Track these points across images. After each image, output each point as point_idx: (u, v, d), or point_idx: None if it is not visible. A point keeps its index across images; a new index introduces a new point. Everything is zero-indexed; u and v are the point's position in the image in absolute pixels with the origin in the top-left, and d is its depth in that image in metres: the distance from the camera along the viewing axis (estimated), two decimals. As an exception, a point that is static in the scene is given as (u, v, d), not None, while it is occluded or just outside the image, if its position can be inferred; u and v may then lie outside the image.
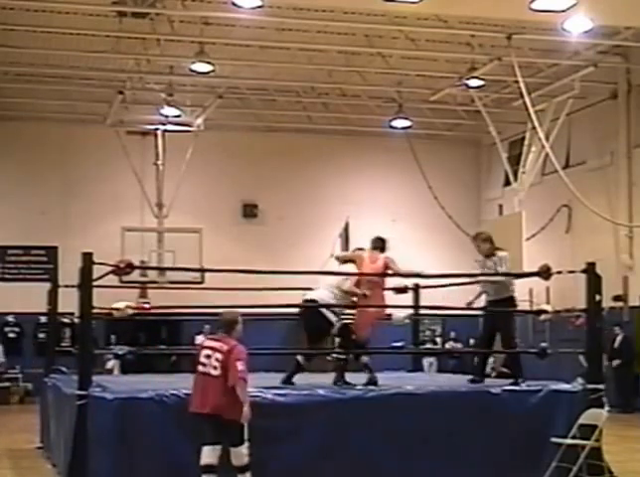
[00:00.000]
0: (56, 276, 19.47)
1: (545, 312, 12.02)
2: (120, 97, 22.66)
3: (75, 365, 10.12)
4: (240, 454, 8.45)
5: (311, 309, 10.51)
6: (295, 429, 9.38)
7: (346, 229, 24.57)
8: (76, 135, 25.21)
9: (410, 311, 13.27)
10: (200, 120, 23.96)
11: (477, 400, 10.27)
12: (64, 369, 13.06)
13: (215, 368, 8.39)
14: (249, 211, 26.66)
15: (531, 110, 19.81)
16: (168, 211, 24.29)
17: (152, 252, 23.00)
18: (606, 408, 10.25)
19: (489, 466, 9.95)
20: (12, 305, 24.08)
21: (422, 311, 14.66)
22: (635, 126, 21.89)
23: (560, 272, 11.28)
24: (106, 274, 10.10)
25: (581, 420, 9.95)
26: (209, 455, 8.37)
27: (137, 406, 9.10)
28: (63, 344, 19.27)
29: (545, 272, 11.24)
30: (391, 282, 12.40)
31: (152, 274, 22.51)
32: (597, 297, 10.64)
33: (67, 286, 11.82)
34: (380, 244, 11.12)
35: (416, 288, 13.88)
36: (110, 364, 22.14)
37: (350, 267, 10.97)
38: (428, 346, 25.42)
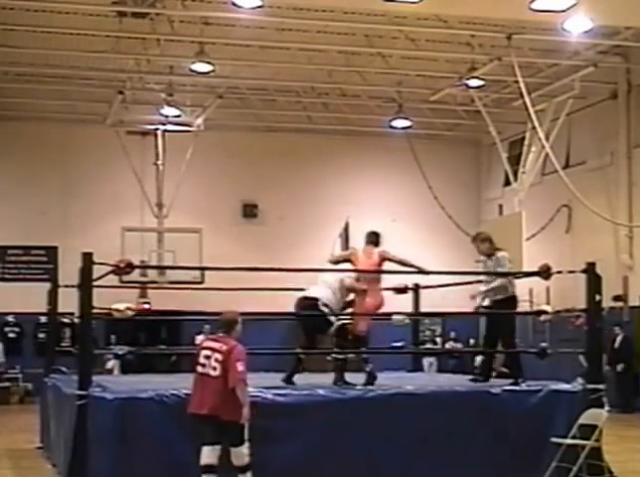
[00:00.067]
0: (56, 276, 19.46)
1: (545, 313, 12.02)
2: (120, 97, 22.66)
3: (75, 365, 10.13)
4: (241, 454, 8.44)
5: (311, 307, 10.51)
6: (295, 429, 9.39)
7: (346, 229, 24.56)
8: (76, 135, 25.21)
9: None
10: (200, 120, 23.96)
11: (477, 400, 10.27)
12: (64, 369, 13.06)
13: (214, 368, 8.38)
14: (249, 211, 26.67)
15: (531, 110, 19.81)
16: (168, 211, 24.29)
17: (152, 252, 22.98)
18: (606, 408, 10.25)
19: (489, 466, 9.95)
20: (12, 305, 24.08)
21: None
22: (635, 126, 21.89)
23: (560, 272, 11.28)
24: (106, 274, 10.10)
25: (581, 420, 9.95)
26: (208, 455, 8.37)
27: (137, 406, 9.11)
28: (63, 344, 19.24)
29: (545, 272, 11.25)
30: (391, 282, 12.43)
31: (152, 274, 22.50)
32: (597, 297, 10.64)
33: (67, 286, 11.82)
34: (374, 239, 11.11)
35: (416, 288, 13.88)
36: (110, 364, 22.14)
37: (346, 266, 11.01)
38: (428, 346, 25.43)
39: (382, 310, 11.13)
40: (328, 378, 10.67)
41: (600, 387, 10.50)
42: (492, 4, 15.91)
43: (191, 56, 20.01)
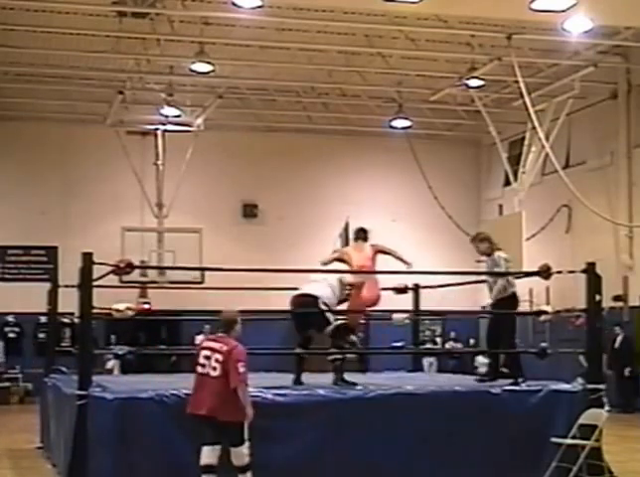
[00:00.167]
0: (56, 276, 19.47)
1: (545, 313, 12.03)
2: (120, 97, 22.66)
3: (75, 365, 10.13)
4: (241, 454, 8.44)
5: (309, 305, 10.52)
6: (295, 429, 9.38)
7: (346, 229, 24.53)
8: (76, 135, 25.21)
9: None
10: (200, 120, 23.96)
11: (477, 400, 10.27)
12: (64, 369, 13.06)
13: (214, 369, 8.38)
14: (249, 211, 26.67)
15: (531, 110, 19.81)
16: (168, 211, 24.29)
17: (152, 252, 22.99)
18: (606, 408, 10.25)
19: (489, 466, 9.95)
20: (12, 305, 24.07)
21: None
22: (635, 126, 21.89)
23: (560, 272, 11.28)
24: (106, 274, 10.10)
25: (581, 420, 9.95)
26: (208, 455, 8.37)
27: (137, 406, 9.11)
28: (63, 344, 19.25)
29: (545, 272, 11.25)
30: (391, 282, 12.45)
31: (152, 274, 22.50)
32: (597, 297, 10.64)
33: (67, 286, 11.82)
34: (362, 235, 11.52)
35: (416, 288, 13.88)
36: (110, 364, 22.13)
37: (340, 265, 11.13)
38: (428, 346, 25.42)
39: (378, 304, 11.29)
40: (328, 378, 10.67)
41: (600, 387, 10.50)
42: (492, 4, 15.90)
43: (191, 56, 20.01)
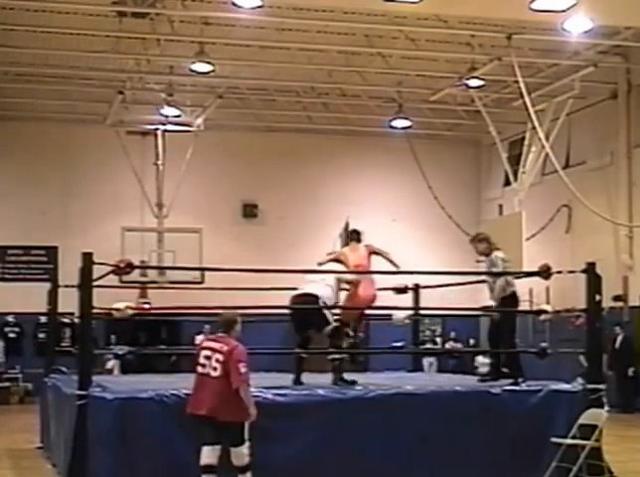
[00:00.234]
0: (56, 276, 19.45)
1: (545, 312, 12.02)
2: (120, 97, 22.65)
3: (75, 365, 10.13)
4: (241, 454, 8.44)
5: (311, 304, 10.52)
6: (295, 429, 9.39)
7: (346, 229, 24.49)
8: (76, 135, 25.21)
9: (410, 311, 13.30)
10: (200, 120, 23.95)
11: (477, 400, 10.27)
12: (64, 369, 13.06)
13: (215, 369, 8.38)
14: (249, 211, 26.66)
15: (531, 110, 19.81)
16: (168, 211, 24.28)
17: (152, 252, 22.98)
18: (606, 408, 10.25)
19: (489, 466, 9.96)
20: (12, 305, 24.06)
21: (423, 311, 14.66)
22: (635, 126, 21.88)
23: (560, 272, 11.29)
24: (106, 274, 10.10)
25: (581, 420, 9.95)
26: (208, 455, 8.38)
27: (137, 406, 9.11)
28: (63, 344, 19.26)
29: (545, 272, 11.25)
30: (391, 282, 12.46)
31: (152, 274, 22.50)
32: (597, 297, 10.65)
33: (67, 286, 11.82)
34: (355, 236, 11.86)
35: (416, 288, 13.88)
36: (110, 364, 22.13)
37: (337, 266, 11.21)
38: (428, 346, 25.43)
39: (374, 303, 11.44)
40: (328, 378, 10.67)
41: (600, 387, 10.51)
42: (492, 4, 15.91)
43: (191, 56, 20.01)
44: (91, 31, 19.41)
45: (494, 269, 11.17)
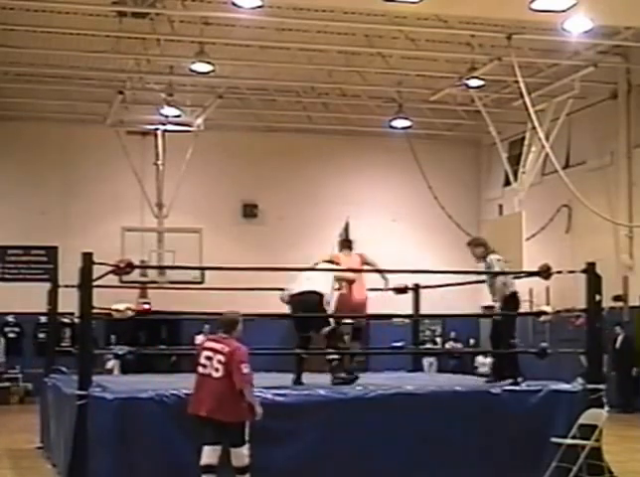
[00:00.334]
0: (56, 276, 19.44)
1: (545, 313, 12.03)
2: (120, 97, 22.65)
3: (75, 365, 10.13)
4: (241, 455, 8.44)
5: (315, 301, 10.51)
6: (295, 429, 9.39)
7: (346, 229, 24.55)
8: (76, 135, 25.21)
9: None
10: (200, 120, 23.95)
11: (477, 400, 10.27)
12: (64, 369, 13.06)
13: (216, 370, 8.38)
14: (249, 211, 26.66)
15: (531, 110, 19.80)
16: (168, 211, 24.27)
17: (152, 252, 22.97)
18: (606, 408, 10.25)
19: (489, 466, 9.96)
20: (12, 305, 24.06)
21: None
22: (635, 126, 21.88)
23: (560, 272, 11.29)
24: (106, 274, 10.10)
25: (581, 420, 9.95)
26: (209, 455, 8.38)
27: (137, 406, 9.11)
28: (63, 344, 19.25)
29: (545, 272, 11.25)
30: (390, 282, 12.45)
31: (152, 274, 22.50)
32: (597, 297, 10.65)
33: (67, 286, 11.82)
34: (347, 245, 12.14)
35: (416, 288, 13.88)
36: (110, 364, 22.14)
37: (331, 266, 11.38)
38: (428, 346, 25.43)
39: (365, 306, 11.58)
40: (328, 378, 10.67)
41: (600, 387, 10.51)
42: (492, 4, 15.90)
43: (191, 56, 20.00)
44: (91, 31, 19.41)
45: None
